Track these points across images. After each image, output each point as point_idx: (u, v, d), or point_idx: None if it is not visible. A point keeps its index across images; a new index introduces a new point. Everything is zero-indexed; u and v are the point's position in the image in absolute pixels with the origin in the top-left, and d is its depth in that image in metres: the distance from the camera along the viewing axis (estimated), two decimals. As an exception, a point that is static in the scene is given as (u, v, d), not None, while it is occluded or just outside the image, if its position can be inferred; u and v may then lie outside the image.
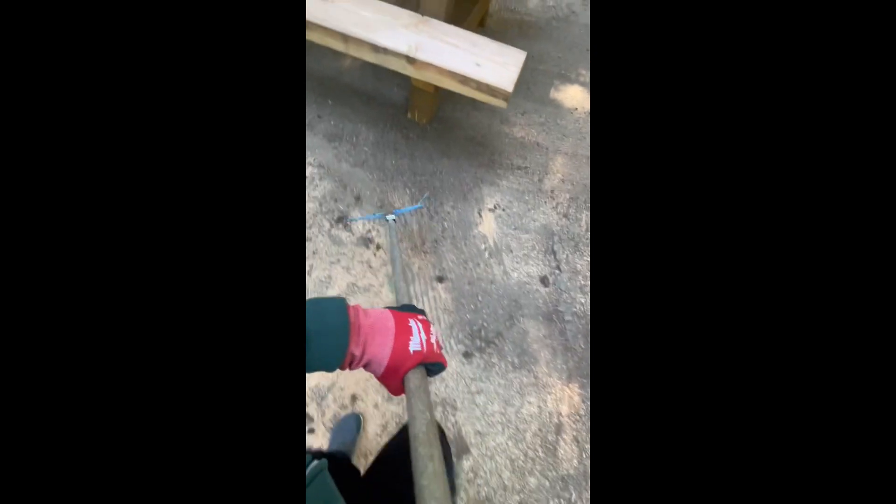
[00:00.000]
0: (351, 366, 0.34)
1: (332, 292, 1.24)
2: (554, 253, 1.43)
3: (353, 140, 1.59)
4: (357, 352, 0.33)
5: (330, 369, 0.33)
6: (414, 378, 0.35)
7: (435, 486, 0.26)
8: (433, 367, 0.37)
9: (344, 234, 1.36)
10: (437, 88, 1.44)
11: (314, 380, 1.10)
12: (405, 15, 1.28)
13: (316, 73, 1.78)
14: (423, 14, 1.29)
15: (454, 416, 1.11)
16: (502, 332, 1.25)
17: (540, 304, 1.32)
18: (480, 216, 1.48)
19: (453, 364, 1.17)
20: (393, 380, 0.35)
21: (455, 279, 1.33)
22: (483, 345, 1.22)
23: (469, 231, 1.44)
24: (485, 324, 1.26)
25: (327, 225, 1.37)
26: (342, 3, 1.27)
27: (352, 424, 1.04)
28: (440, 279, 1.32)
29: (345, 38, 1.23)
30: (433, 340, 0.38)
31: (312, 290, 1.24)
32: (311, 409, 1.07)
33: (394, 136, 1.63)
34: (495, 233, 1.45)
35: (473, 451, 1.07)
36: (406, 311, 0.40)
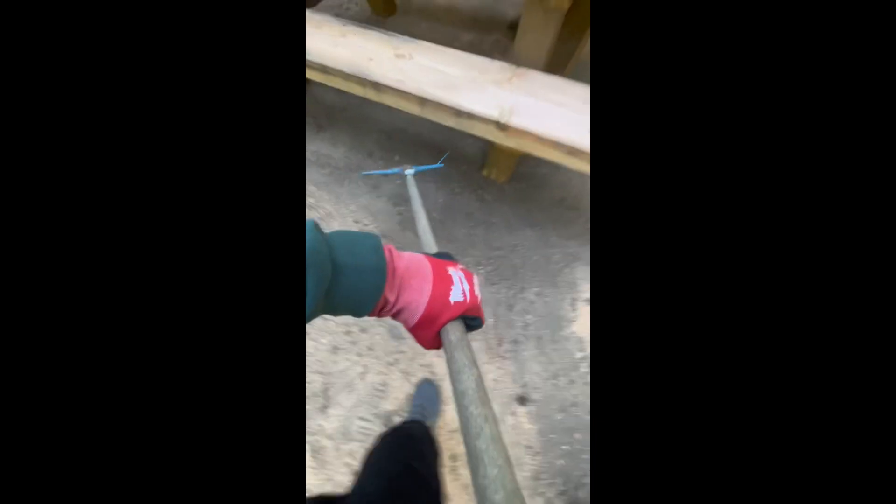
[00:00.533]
0: (381, 312, 0.31)
1: (386, 406, 1.02)
2: (684, 375, 1.03)
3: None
4: (392, 297, 0.30)
5: (360, 314, 0.29)
6: (454, 331, 0.31)
7: (496, 451, 0.22)
8: (474, 321, 0.33)
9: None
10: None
11: None
12: (495, 68, 1.04)
13: (383, 124, 1.63)
14: (518, 65, 1.03)
15: None
16: (610, 496, 0.89)
17: (666, 458, 0.93)
18: (574, 309, 1.15)
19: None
20: (428, 331, 0.31)
21: (541, 402, 1.01)
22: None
23: (559, 330, 1.12)
24: (584, 479, 0.92)
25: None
26: (420, 59, 1.08)
27: (431, 392, 0.99)
28: (522, 400, 1.02)
29: (422, 101, 1.02)
30: (477, 292, 0.34)
31: (364, 400, 1.03)
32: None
33: (466, 198, 1.39)
34: (595, 336, 1.11)
35: None
36: (443, 258, 0.36)
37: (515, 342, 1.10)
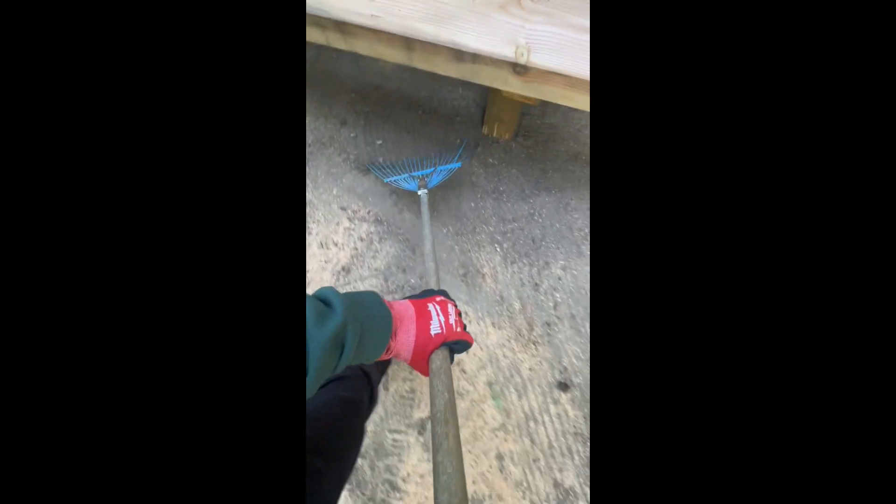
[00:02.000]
0: (386, 354, 0.34)
1: (418, 414, 0.92)
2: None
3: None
4: (392, 343, 0.35)
5: (373, 359, 0.33)
6: (436, 359, 0.36)
7: (448, 461, 0.29)
8: (457, 345, 0.39)
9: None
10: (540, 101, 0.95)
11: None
12: (500, -12, 0.78)
13: (353, 80, 1.34)
14: (529, -19, 0.78)
15: None
16: (666, 470, 0.86)
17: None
18: (606, 279, 1.04)
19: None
20: (421, 362, 0.37)
21: (584, 385, 0.94)
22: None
23: (593, 305, 1.01)
24: (638, 457, 0.87)
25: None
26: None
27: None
28: (563, 386, 0.94)
29: (408, 44, 0.78)
30: (452, 321, 0.38)
31: (393, 412, 0.92)
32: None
33: (467, 166, 1.19)
34: (632, 305, 1.01)
35: None
36: (426, 296, 0.42)
37: (548, 325, 1.00)
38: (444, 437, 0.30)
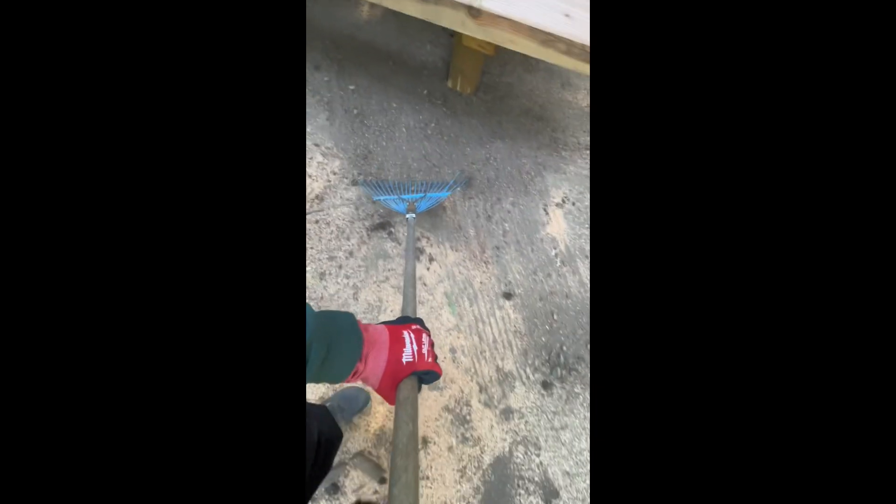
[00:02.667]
0: (352, 378, 0.35)
1: (385, 318, 1.06)
2: (637, 257, 1.21)
3: (382, 123, 1.29)
4: (360, 366, 0.34)
5: (338, 381, 0.33)
6: (404, 389, 0.35)
7: (405, 496, 0.28)
8: (426, 375, 0.38)
9: (389, 245, 1.13)
10: (495, 48, 1.10)
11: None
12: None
13: (327, 29, 1.41)
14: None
15: (538, 456, 0.98)
16: (584, 356, 1.09)
17: (625, 321, 1.13)
18: (547, 213, 1.24)
19: (531, 397, 1.03)
20: (389, 391, 0.36)
21: (524, 294, 1.13)
22: (563, 373, 1.06)
23: (535, 233, 1.21)
24: (563, 347, 1.09)
25: (368, 238, 1.14)
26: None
27: (359, 396, 0.96)
28: (507, 295, 1.13)
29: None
30: (424, 350, 0.38)
31: (362, 316, 1.06)
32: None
33: (433, 113, 1.32)
34: (566, 234, 1.22)
35: (563, 493, 0.96)
36: (402, 322, 0.41)
37: (497, 248, 1.18)
38: (403, 470, 0.29)
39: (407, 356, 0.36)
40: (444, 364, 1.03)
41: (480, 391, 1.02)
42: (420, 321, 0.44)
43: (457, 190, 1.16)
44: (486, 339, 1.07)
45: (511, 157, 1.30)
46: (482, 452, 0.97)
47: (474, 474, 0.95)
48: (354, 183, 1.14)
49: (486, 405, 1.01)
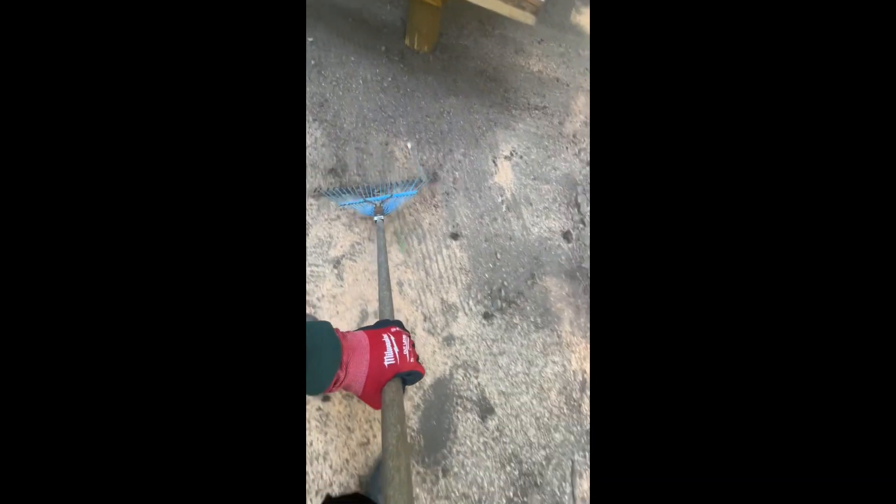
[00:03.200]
0: (333, 387, 0.34)
1: (333, 253, 1.11)
2: (577, 205, 1.31)
3: (339, 75, 1.33)
4: (341, 373, 0.34)
5: (318, 392, 0.32)
6: (389, 391, 0.35)
7: (399, 495, 0.28)
8: (409, 376, 0.38)
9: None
10: (443, 1, 1.17)
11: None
12: None
13: (288, -16, 1.43)
14: None
15: (476, 378, 1.06)
16: (523, 292, 1.17)
17: (563, 261, 1.23)
18: (496, 165, 1.32)
19: (472, 326, 1.10)
20: (373, 396, 0.35)
21: (470, 236, 1.20)
22: (504, 305, 1.14)
23: (483, 182, 1.28)
24: (505, 283, 1.17)
25: (323, 180, 1.18)
26: None
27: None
28: (454, 236, 1.19)
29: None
30: (406, 352, 0.38)
31: (312, 251, 1.10)
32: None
33: (390, 68, 1.37)
34: (513, 183, 1.30)
35: (498, 410, 1.04)
36: (381, 326, 0.40)
37: (447, 194, 1.24)
38: (395, 471, 0.29)
39: (388, 359, 0.36)
40: (395, 298, 1.09)
41: (425, 320, 1.08)
42: (399, 323, 0.43)
43: (422, 187, 1.17)
44: (432, 275, 1.14)
45: (464, 113, 1.37)
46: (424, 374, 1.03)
47: (415, 393, 1.01)
48: (318, 194, 1.12)
49: (430, 332, 1.07)
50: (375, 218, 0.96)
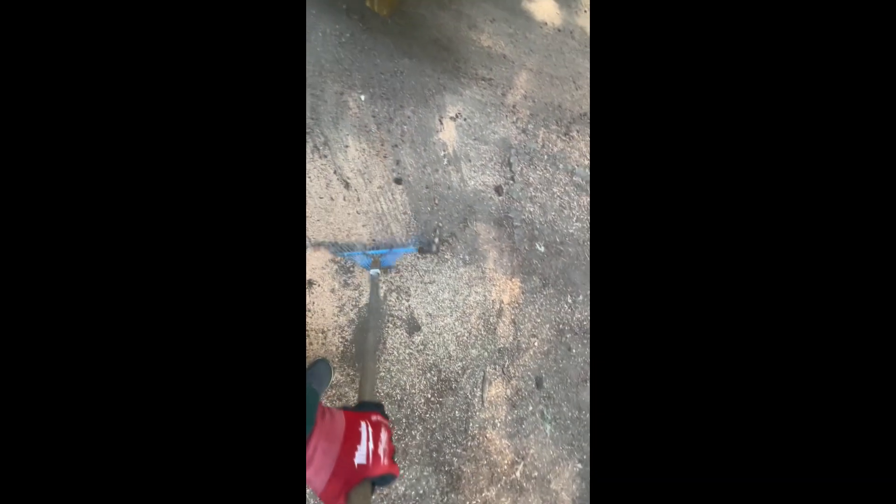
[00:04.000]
0: None
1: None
2: (510, 165, 1.49)
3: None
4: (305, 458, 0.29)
5: None
6: (355, 500, 0.30)
7: None
8: (380, 480, 0.33)
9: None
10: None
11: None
12: None
13: (253, -69, 1.47)
14: None
15: (407, 301, 1.21)
16: (456, 233, 1.34)
17: (492, 211, 1.41)
18: (441, 123, 1.47)
19: (408, 258, 1.25)
20: (334, 498, 0.30)
21: (413, 182, 1.35)
22: (438, 243, 1.30)
23: (429, 137, 1.43)
24: (440, 225, 1.33)
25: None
26: None
27: (322, 370, 1.02)
28: (398, 181, 1.33)
29: None
30: (381, 450, 0.33)
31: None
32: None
33: (349, 25, 1.47)
34: (455, 141, 1.46)
35: (424, 328, 1.20)
36: (362, 409, 0.37)
37: (394, 145, 1.38)
38: None
39: (360, 457, 0.31)
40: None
41: (365, 249, 1.22)
42: (380, 407, 0.39)
43: (416, 249, 1.22)
44: (377, 212, 1.27)
45: (416, 75, 1.50)
46: (360, 295, 1.17)
47: (351, 310, 1.15)
48: (317, 244, 1.14)
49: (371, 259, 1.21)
50: (371, 272, 0.91)
